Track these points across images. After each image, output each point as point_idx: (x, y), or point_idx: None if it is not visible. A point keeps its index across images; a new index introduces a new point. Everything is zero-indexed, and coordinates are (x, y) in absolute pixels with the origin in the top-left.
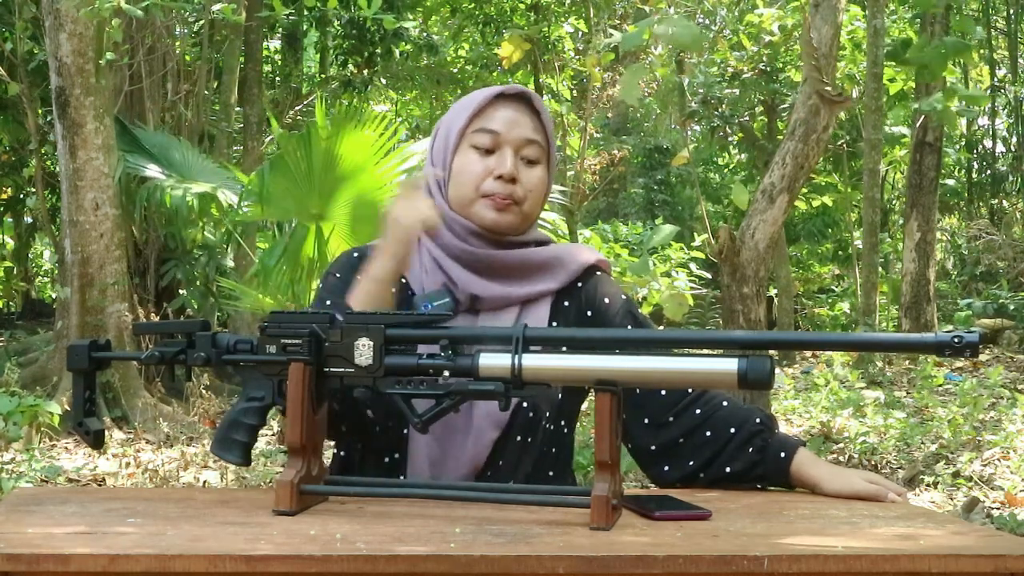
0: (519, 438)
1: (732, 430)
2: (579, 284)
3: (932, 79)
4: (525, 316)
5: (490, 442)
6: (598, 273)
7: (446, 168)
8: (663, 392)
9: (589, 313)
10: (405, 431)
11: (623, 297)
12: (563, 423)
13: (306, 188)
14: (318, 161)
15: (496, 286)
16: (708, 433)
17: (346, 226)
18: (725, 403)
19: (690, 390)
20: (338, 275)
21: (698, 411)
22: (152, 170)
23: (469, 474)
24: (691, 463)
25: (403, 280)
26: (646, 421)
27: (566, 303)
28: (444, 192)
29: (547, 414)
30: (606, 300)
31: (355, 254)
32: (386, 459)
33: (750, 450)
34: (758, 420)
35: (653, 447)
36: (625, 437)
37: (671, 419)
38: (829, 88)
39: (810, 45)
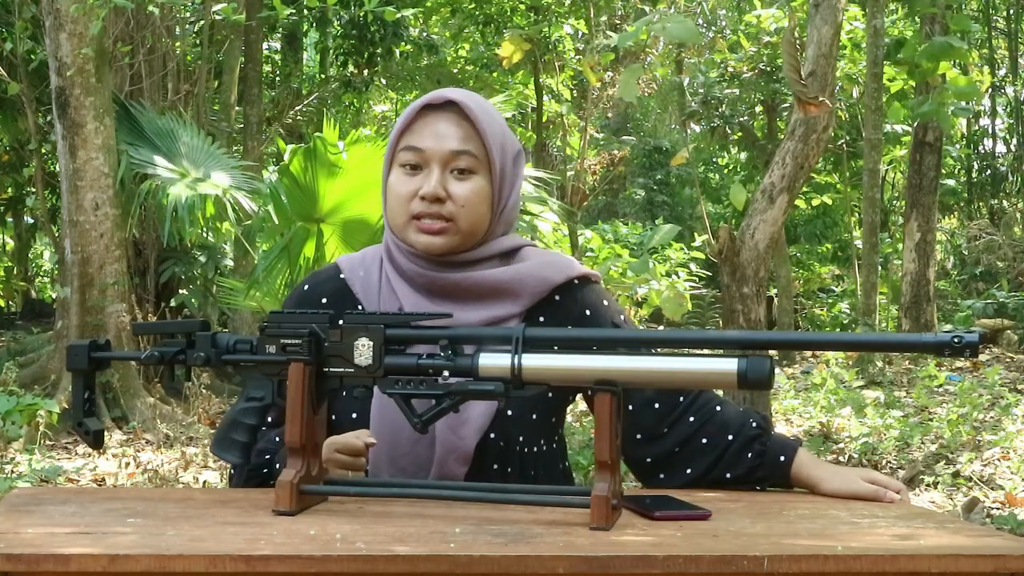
0: (495, 467)
1: (730, 436)
2: (556, 297)
3: (923, 78)
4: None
5: (459, 477)
6: (575, 282)
7: (384, 188)
8: (656, 405)
9: (570, 328)
10: (368, 467)
11: (606, 303)
12: (542, 442)
13: (310, 197)
14: (322, 173)
15: (450, 311)
16: (704, 440)
17: (342, 230)
18: (719, 408)
19: (682, 398)
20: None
21: (692, 419)
22: (156, 166)
23: None
24: (688, 471)
25: (360, 306)
26: (639, 437)
27: (541, 319)
28: (386, 215)
29: (520, 439)
30: (587, 312)
31: (305, 286)
32: None
33: (749, 455)
34: (754, 424)
35: (648, 459)
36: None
37: (665, 430)
38: (805, 89)
39: (791, 44)
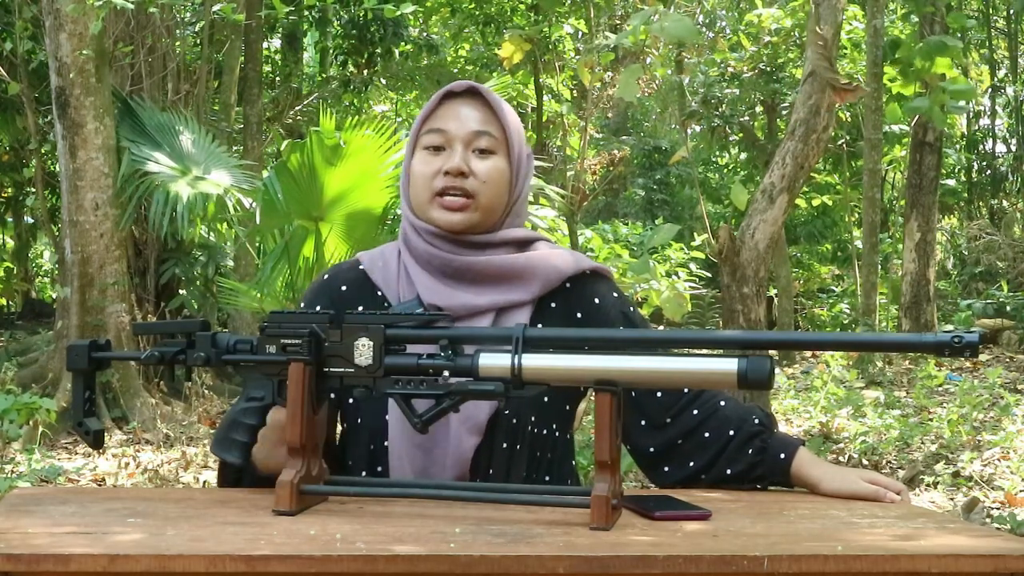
0: (504, 444)
1: (731, 431)
2: (567, 285)
3: (917, 78)
4: (501, 323)
5: (470, 449)
6: (587, 273)
7: (406, 174)
8: (659, 393)
9: (579, 315)
10: (386, 443)
11: (615, 295)
12: (554, 426)
13: (308, 192)
14: (320, 166)
15: (463, 295)
16: (707, 434)
17: (342, 226)
18: (723, 403)
19: (687, 390)
20: (303, 304)
21: (695, 412)
22: (158, 163)
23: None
24: (691, 464)
25: (379, 292)
26: (643, 423)
27: (552, 304)
28: (408, 198)
29: (532, 418)
30: (596, 300)
31: (325, 276)
32: (364, 472)
33: (750, 451)
34: (756, 420)
35: (652, 449)
36: (624, 439)
37: (668, 420)
38: (837, 76)
39: (816, 34)
